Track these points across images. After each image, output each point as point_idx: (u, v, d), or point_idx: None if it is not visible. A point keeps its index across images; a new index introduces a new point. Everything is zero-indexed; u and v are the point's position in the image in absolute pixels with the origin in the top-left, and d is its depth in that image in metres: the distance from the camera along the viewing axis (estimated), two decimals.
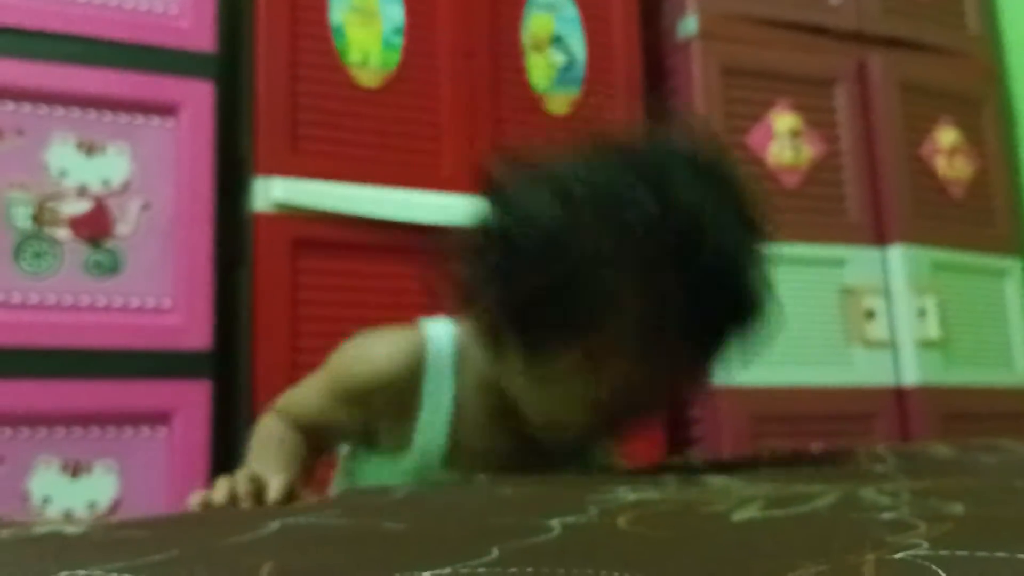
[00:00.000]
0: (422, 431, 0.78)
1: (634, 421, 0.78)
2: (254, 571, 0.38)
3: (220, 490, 0.74)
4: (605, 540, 0.45)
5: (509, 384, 0.75)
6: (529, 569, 0.36)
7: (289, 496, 0.73)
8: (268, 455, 0.82)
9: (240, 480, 0.74)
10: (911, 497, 0.55)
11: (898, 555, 0.36)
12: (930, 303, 1.85)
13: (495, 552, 0.40)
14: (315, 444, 0.84)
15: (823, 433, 1.72)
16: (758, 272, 0.74)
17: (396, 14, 1.64)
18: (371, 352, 0.80)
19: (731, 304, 0.72)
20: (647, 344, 0.69)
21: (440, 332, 0.80)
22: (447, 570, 0.36)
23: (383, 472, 0.81)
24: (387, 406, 0.79)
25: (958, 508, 0.50)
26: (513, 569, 0.36)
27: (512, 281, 0.69)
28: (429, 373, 0.78)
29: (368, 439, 0.83)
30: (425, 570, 0.36)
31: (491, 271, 0.70)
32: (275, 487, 0.73)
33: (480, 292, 0.72)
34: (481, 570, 0.36)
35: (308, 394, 0.84)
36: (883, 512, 0.50)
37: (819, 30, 1.95)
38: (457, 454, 0.78)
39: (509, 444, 0.78)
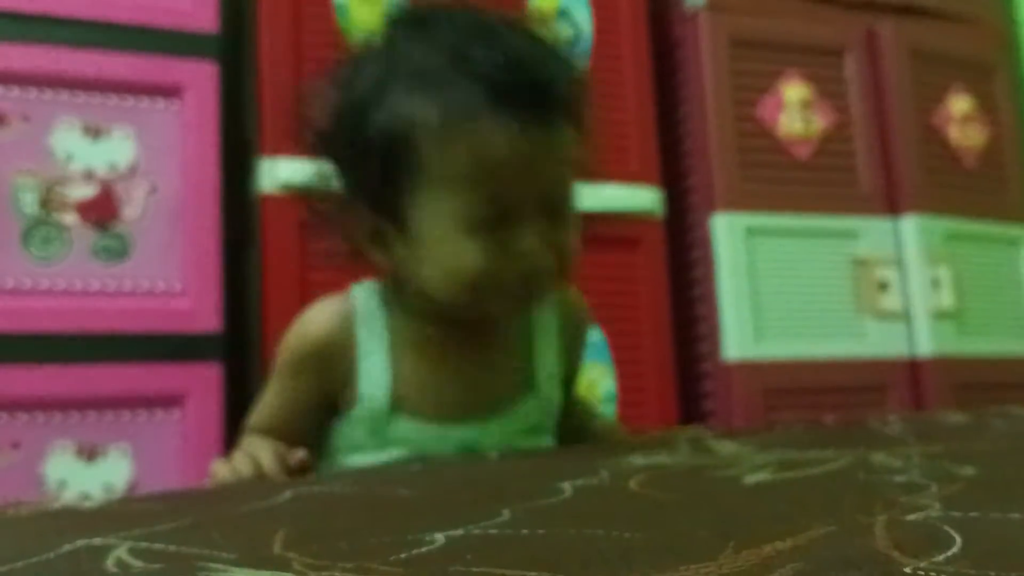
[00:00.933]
0: (364, 378, 0.80)
1: (557, 234, 0.75)
2: (269, 537, 0.38)
3: (242, 461, 0.75)
4: (616, 501, 0.45)
5: (407, 273, 0.77)
6: (540, 530, 0.36)
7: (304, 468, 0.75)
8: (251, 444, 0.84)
9: (262, 450, 0.76)
10: (922, 460, 0.55)
11: (910, 516, 0.36)
12: (944, 273, 1.83)
13: (506, 513, 0.40)
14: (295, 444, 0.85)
15: (836, 405, 1.71)
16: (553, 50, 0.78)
17: None
18: (304, 322, 0.83)
19: (536, 66, 0.73)
20: (472, 137, 0.70)
21: (365, 289, 0.84)
22: (459, 531, 0.36)
23: (344, 433, 0.83)
24: (331, 366, 0.81)
25: (969, 470, 0.50)
26: (524, 530, 0.36)
27: (344, 146, 0.75)
28: (359, 325, 0.81)
29: (330, 413, 0.84)
30: (438, 531, 0.36)
31: (332, 153, 0.77)
32: (265, 456, 0.74)
33: (337, 182, 0.78)
34: (493, 531, 0.37)
35: (268, 393, 0.86)
36: (895, 474, 0.49)
37: None
38: (405, 393, 0.80)
39: (453, 365, 0.81)
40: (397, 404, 0.80)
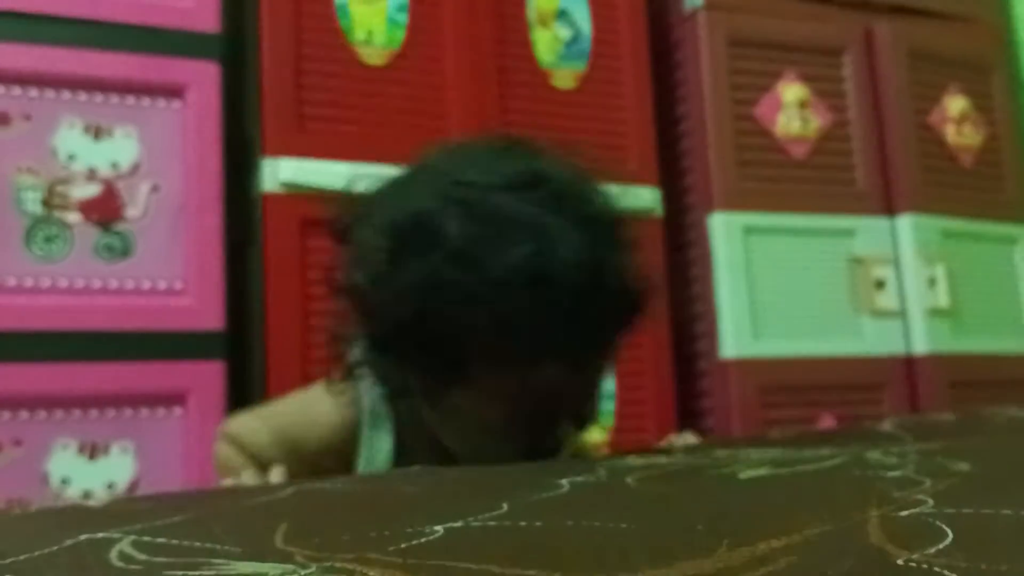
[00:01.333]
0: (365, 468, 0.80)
1: (561, 431, 0.77)
2: (270, 531, 0.38)
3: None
4: (613, 496, 0.46)
5: (428, 422, 0.76)
6: (538, 523, 0.37)
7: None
8: (248, 463, 0.84)
9: (246, 477, 0.76)
10: (917, 456, 0.56)
11: (903, 511, 0.36)
12: (940, 272, 1.84)
13: (505, 507, 0.40)
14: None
15: (833, 403, 1.72)
16: (619, 269, 0.72)
17: None
18: (311, 416, 0.82)
19: (599, 311, 0.70)
20: (524, 370, 0.69)
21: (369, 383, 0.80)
22: (459, 523, 0.37)
23: None
24: (328, 463, 0.80)
25: (964, 466, 0.51)
26: (522, 522, 0.37)
27: (380, 322, 0.70)
28: (366, 428, 0.80)
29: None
30: (437, 524, 0.37)
31: (363, 308, 0.72)
32: (275, 474, 0.75)
33: (359, 332, 0.74)
34: (491, 523, 0.37)
35: (259, 433, 0.85)
36: (889, 471, 0.50)
37: None
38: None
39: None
40: None
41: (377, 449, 0.80)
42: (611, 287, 0.70)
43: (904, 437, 0.73)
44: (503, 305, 0.65)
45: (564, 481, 0.49)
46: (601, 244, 0.70)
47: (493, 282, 0.65)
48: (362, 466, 0.80)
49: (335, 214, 0.75)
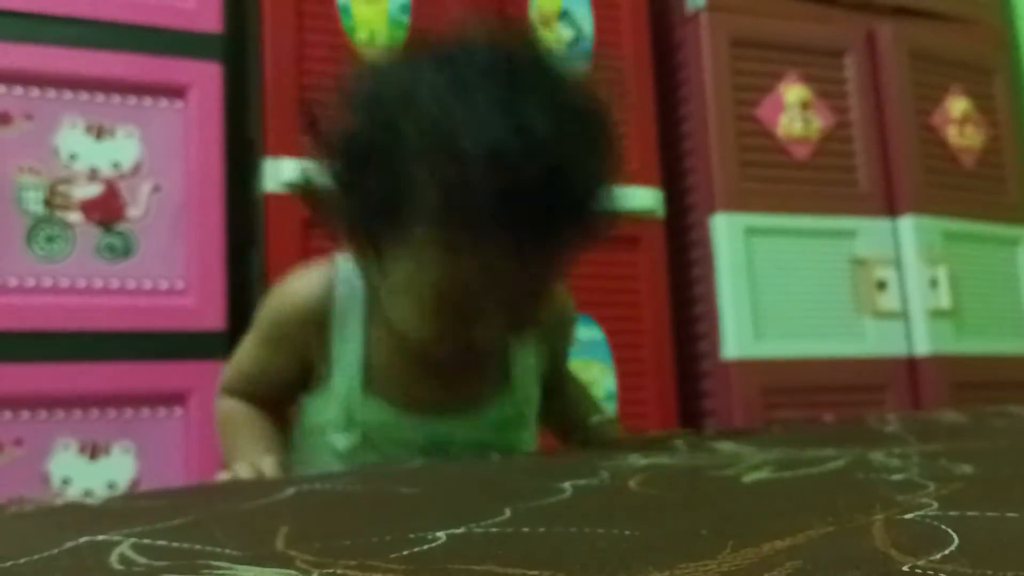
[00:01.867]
0: (339, 357, 0.80)
1: (496, 326, 0.74)
2: (271, 534, 0.38)
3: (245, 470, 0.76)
4: (616, 500, 0.46)
5: (379, 294, 0.77)
6: (541, 528, 0.37)
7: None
8: (245, 442, 0.84)
9: (241, 471, 0.76)
10: (921, 459, 0.55)
11: (907, 515, 0.36)
12: (942, 273, 1.84)
13: (508, 512, 0.40)
14: (273, 408, 0.86)
15: (835, 404, 1.72)
16: (588, 177, 0.70)
17: None
18: (287, 290, 0.83)
19: (555, 207, 0.67)
20: (467, 240, 0.67)
21: (351, 264, 0.80)
22: (461, 529, 0.37)
23: (317, 408, 0.83)
24: (307, 339, 0.81)
25: (967, 469, 0.51)
26: (525, 528, 0.37)
27: (338, 183, 0.72)
28: (338, 302, 0.80)
29: (307, 382, 0.84)
30: (440, 530, 0.37)
31: (328, 176, 0.73)
32: (268, 467, 0.75)
33: (326, 201, 0.74)
34: (494, 529, 0.37)
35: (244, 352, 0.86)
36: (893, 474, 0.50)
37: (827, 0, 1.93)
38: (378, 379, 0.80)
39: (424, 359, 0.79)
40: (369, 387, 0.80)
41: (350, 332, 0.80)
42: (575, 188, 0.68)
43: (907, 438, 0.72)
44: (461, 168, 0.64)
45: (566, 484, 0.49)
46: (581, 146, 0.68)
47: (458, 139, 0.64)
48: (338, 346, 0.80)
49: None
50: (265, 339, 0.84)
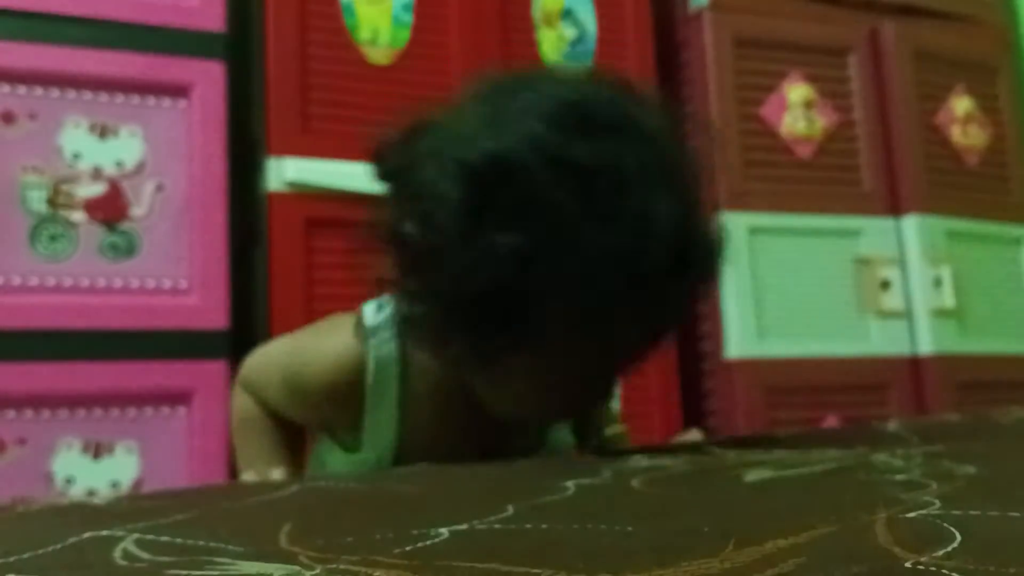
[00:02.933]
0: (371, 431, 0.75)
1: (597, 396, 0.75)
2: (274, 530, 0.38)
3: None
4: (618, 499, 0.46)
5: (465, 380, 0.71)
6: (544, 525, 0.37)
7: None
8: (257, 451, 0.82)
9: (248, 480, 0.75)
10: (924, 459, 0.55)
11: (910, 513, 0.36)
12: (945, 272, 1.84)
13: (510, 509, 0.40)
14: (289, 424, 0.83)
15: (838, 404, 1.72)
16: (704, 239, 0.66)
17: None
18: (316, 357, 0.76)
19: (684, 285, 0.66)
20: (600, 339, 0.64)
21: (384, 323, 0.73)
22: (464, 526, 0.37)
23: (344, 464, 0.79)
24: (337, 412, 0.76)
25: (970, 469, 0.51)
26: (528, 525, 0.37)
27: (434, 283, 0.64)
28: (371, 375, 0.73)
29: (329, 432, 0.81)
30: (442, 526, 0.37)
31: (409, 269, 0.65)
32: (276, 474, 0.74)
33: (407, 293, 0.67)
34: (497, 526, 0.37)
35: (267, 379, 0.81)
36: (896, 473, 0.50)
37: None
38: (410, 451, 0.74)
39: (465, 422, 0.74)
40: (400, 461, 0.74)
41: (384, 406, 0.73)
42: (698, 261, 0.64)
43: (910, 439, 0.72)
44: (595, 284, 0.60)
45: (569, 483, 0.49)
46: (691, 208, 0.64)
47: (590, 261, 0.59)
48: (370, 421, 0.74)
49: (379, 147, 0.68)
50: (288, 395, 0.78)
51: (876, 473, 0.50)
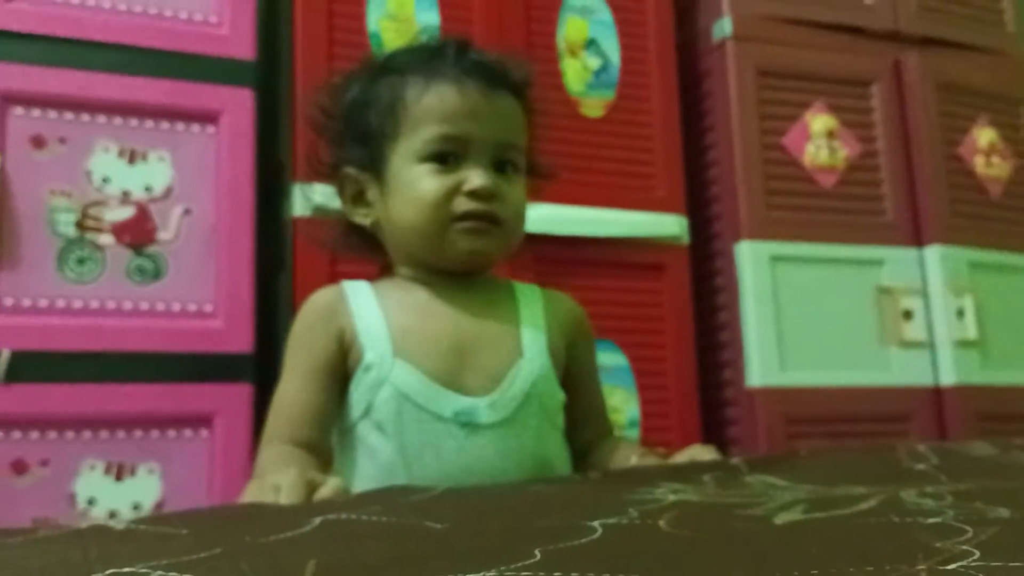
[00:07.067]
0: (364, 333, 0.89)
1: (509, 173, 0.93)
2: (299, 568, 0.38)
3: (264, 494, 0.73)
4: (647, 542, 0.45)
5: (384, 220, 0.93)
6: (573, 574, 0.36)
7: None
8: (274, 460, 0.84)
9: (283, 476, 0.73)
10: (954, 499, 0.55)
11: (950, 565, 0.36)
12: (968, 303, 1.83)
13: (538, 554, 0.40)
14: (312, 451, 0.87)
15: (860, 434, 1.71)
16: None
17: (432, 20, 1.65)
18: (302, 305, 0.95)
19: (503, 66, 0.94)
20: (446, 90, 0.89)
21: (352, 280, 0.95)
22: (491, 572, 0.36)
23: (352, 402, 0.89)
24: (334, 321, 0.90)
25: (1004, 512, 0.50)
26: (557, 572, 0.36)
27: (347, 123, 0.95)
28: (350, 295, 0.92)
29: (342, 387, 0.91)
30: (470, 572, 0.36)
31: (338, 131, 0.96)
32: (286, 480, 0.73)
33: (329, 146, 0.97)
34: (525, 573, 0.37)
35: (280, 395, 0.91)
36: (928, 516, 0.49)
37: (854, 30, 1.93)
38: (403, 343, 0.88)
39: (444, 319, 0.90)
40: (398, 353, 0.88)
41: (365, 307, 0.91)
42: (519, 68, 0.96)
43: (937, 476, 0.72)
44: (427, 55, 0.93)
45: (596, 523, 0.49)
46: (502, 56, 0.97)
47: (419, 50, 0.95)
48: (361, 327, 0.89)
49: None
50: (298, 352, 0.91)
51: (908, 517, 0.49)
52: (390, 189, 0.91)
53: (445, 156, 0.89)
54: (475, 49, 0.94)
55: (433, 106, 0.89)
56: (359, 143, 0.93)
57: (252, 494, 0.73)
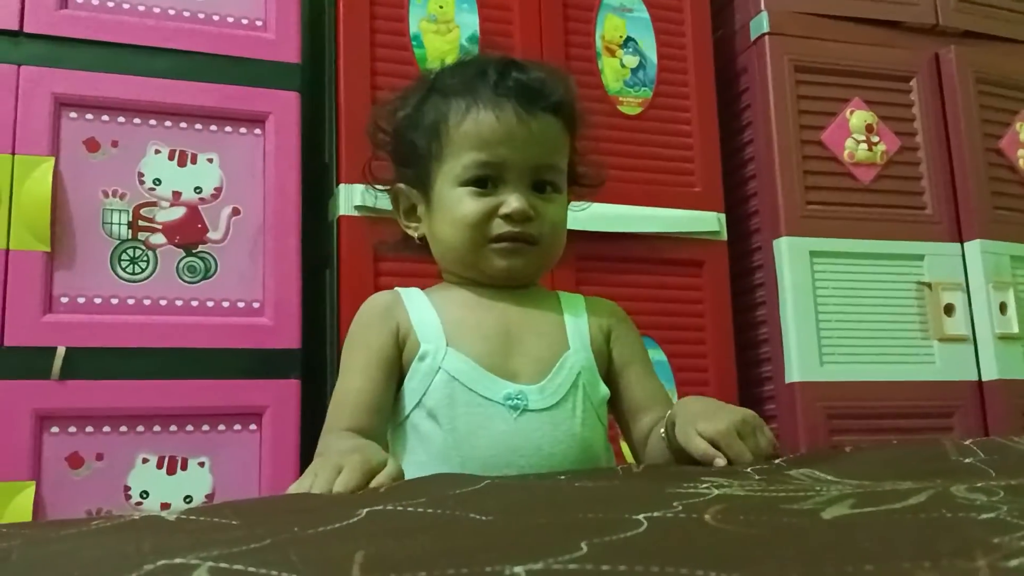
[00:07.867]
0: (420, 325, 0.93)
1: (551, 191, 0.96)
2: (347, 559, 0.38)
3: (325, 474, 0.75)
4: (694, 536, 0.44)
5: (431, 235, 0.97)
6: (621, 566, 0.35)
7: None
8: (334, 441, 0.87)
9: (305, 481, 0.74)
10: (1007, 495, 0.54)
11: (1012, 562, 0.34)
12: (1010, 298, 1.82)
13: (584, 547, 0.39)
14: (373, 436, 0.89)
15: (902, 429, 1.71)
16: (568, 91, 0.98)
17: (472, 21, 1.67)
18: (361, 307, 0.98)
19: (546, 83, 0.95)
20: (487, 115, 0.91)
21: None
22: (539, 565, 0.36)
23: (417, 374, 0.92)
24: (393, 316, 0.94)
25: None
26: (605, 566, 0.35)
27: (399, 145, 0.99)
28: (405, 298, 0.97)
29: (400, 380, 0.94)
30: (517, 564, 0.35)
31: (392, 151, 1.01)
32: (388, 470, 0.74)
33: (386, 161, 1.01)
34: (572, 566, 0.36)
35: (342, 383, 0.94)
36: (980, 512, 0.48)
37: (892, 24, 1.93)
38: (455, 334, 0.93)
39: (493, 316, 0.95)
40: (452, 343, 0.92)
41: (418, 305, 0.95)
42: (559, 87, 0.96)
43: (987, 470, 0.72)
44: (470, 75, 0.95)
45: (641, 517, 0.48)
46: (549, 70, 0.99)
47: (464, 70, 0.97)
48: (416, 321, 0.94)
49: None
50: (354, 353, 0.94)
51: (960, 512, 0.48)
52: (434, 208, 0.96)
53: (483, 180, 0.92)
54: (518, 67, 0.95)
55: (471, 132, 0.92)
56: (409, 162, 0.98)
57: (316, 469, 0.74)
